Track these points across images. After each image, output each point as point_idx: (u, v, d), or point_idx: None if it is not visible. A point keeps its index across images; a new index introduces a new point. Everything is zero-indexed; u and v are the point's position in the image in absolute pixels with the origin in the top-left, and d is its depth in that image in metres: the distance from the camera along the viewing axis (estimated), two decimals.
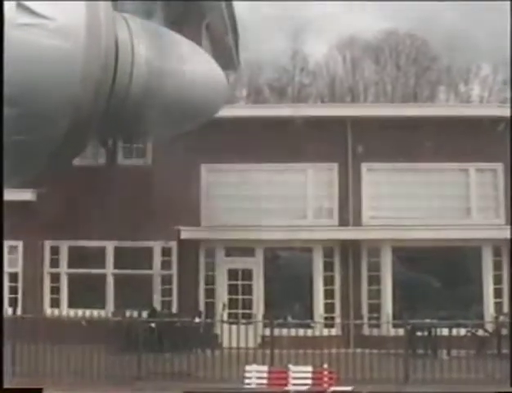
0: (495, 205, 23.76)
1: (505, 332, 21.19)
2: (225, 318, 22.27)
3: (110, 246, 23.61)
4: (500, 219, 23.61)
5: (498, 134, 22.73)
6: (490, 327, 21.72)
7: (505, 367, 17.57)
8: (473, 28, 53.12)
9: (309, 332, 21.97)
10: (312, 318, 22.77)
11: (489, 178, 23.82)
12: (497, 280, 23.08)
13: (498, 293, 23.02)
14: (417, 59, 52.31)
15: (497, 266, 23.14)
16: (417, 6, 51.43)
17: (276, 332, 19.91)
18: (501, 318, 22.12)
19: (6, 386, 4.81)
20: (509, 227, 22.88)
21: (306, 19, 56.24)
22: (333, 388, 16.53)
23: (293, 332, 20.31)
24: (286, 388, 16.70)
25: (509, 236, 22.54)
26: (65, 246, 23.88)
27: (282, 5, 51.52)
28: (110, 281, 23.66)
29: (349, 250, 23.56)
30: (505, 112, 23.59)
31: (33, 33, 3.86)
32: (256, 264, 23.37)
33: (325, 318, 22.89)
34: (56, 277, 23.89)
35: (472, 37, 53.08)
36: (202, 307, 23.18)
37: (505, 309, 22.66)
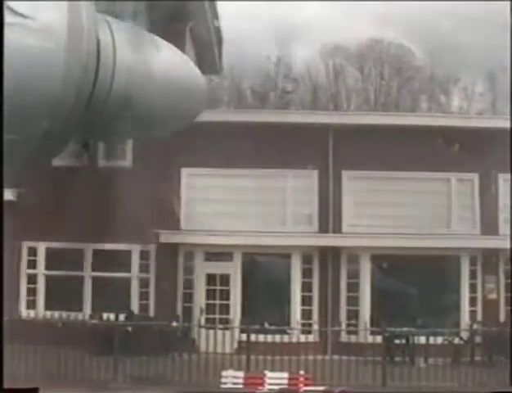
0: (471, 215, 23.91)
1: (478, 339, 21.48)
2: (202, 322, 22.25)
3: (88, 248, 23.53)
4: (476, 229, 23.79)
5: (474, 144, 22.85)
6: (465, 335, 21.91)
7: (478, 374, 17.84)
8: (460, 38, 53.39)
9: (286, 338, 21.98)
10: (289, 324, 22.78)
11: (467, 189, 23.97)
12: (473, 289, 23.26)
13: (473, 302, 23.20)
14: (401, 69, 52.51)
15: (473, 275, 23.33)
16: (405, 14, 51.76)
17: (253, 337, 19.94)
18: (475, 326, 22.33)
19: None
20: (484, 237, 23.41)
21: (290, 25, 56.30)
22: (305, 388, 16.66)
23: (270, 337, 20.30)
24: (261, 388, 16.82)
25: (484, 245, 23.16)
26: (42, 248, 23.78)
27: (267, 11, 51.65)
28: (88, 283, 23.57)
29: (328, 257, 23.60)
30: (483, 123, 24.17)
31: (15, 32, 3.87)
32: (234, 269, 23.35)
33: (303, 325, 22.92)
34: (33, 279, 23.78)
35: (456, 48, 53.30)
36: (179, 311, 23.13)
37: (479, 317, 22.93)
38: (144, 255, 23.61)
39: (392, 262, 23.53)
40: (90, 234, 22.47)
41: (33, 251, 23.81)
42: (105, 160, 23.54)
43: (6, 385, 4.67)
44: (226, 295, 23.28)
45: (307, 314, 23.23)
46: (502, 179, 23.54)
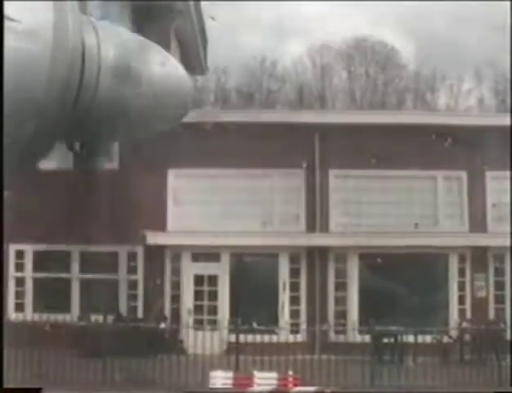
0: (460, 213, 23.94)
1: (467, 338, 21.51)
2: (190, 323, 22.19)
3: (75, 251, 23.43)
4: (465, 227, 23.82)
5: (462, 142, 22.86)
6: (454, 333, 21.94)
7: (467, 373, 17.82)
8: (448, 36, 53.54)
9: (274, 338, 21.96)
10: (277, 324, 22.75)
11: (455, 186, 23.99)
12: (461, 287, 23.30)
13: (462, 300, 23.24)
14: (386, 66, 52.58)
15: (461, 273, 23.36)
16: (395, 13, 51.76)
17: (242, 338, 19.88)
18: (464, 324, 22.37)
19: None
20: (472, 234, 23.50)
21: (276, 24, 56.37)
22: (297, 388, 16.65)
23: (258, 338, 20.26)
24: (251, 388, 16.81)
25: (472, 243, 23.22)
26: (30, 250, 23.67)
27: (253, 10, 51.61)
28: (76, 285, 23.48)
29: (316, 257, 23.58)
30: (471, 121, 24.22)
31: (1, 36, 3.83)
32: (222, 270, 23.29)
33: (291, 325, 22.90)
34: (20, 282, 23.67)
35: (443, 45, 53.43)
36: (167, 312, 23.08)
37: (468, 315, 22.97)
38: (131, 257, 23.53)
39: (380, 261, 23.52)
40: (77, 236, 22.40)
41: (20, 254, 23.68)
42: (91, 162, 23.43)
43: None
44: (214, 296, 23.23)
45: (295, 314, 23.21)
46: (490, 177, 23.62)
